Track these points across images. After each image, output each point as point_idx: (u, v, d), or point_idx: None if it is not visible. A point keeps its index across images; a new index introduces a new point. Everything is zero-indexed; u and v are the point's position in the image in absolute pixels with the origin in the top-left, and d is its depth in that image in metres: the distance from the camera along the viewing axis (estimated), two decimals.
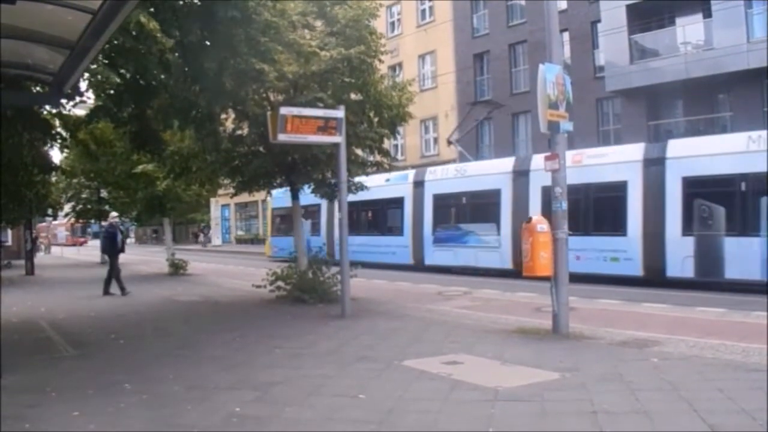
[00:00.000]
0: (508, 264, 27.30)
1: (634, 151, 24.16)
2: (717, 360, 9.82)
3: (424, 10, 49.72)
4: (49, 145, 20.29)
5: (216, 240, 74.50)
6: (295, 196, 20.15)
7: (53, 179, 35.33)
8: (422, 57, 49.68)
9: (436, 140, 48.07)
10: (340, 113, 15.52)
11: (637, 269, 23.12)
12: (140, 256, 54.18)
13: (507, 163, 28.89)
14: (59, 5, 8.33)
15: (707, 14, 31.04)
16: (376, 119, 19.15)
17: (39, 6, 8.40)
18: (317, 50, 16.91)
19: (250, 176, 19.82)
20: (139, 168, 28.99)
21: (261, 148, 19.06)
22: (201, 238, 78.51)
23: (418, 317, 15.46)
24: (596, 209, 24.50)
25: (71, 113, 18.81)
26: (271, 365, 10.42)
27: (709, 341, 11.33)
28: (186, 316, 17.48)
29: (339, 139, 15.47)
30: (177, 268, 31.61)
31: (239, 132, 19.65)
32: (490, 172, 29.18)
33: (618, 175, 23.77)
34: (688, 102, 33.23)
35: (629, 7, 33.44)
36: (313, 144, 16.50)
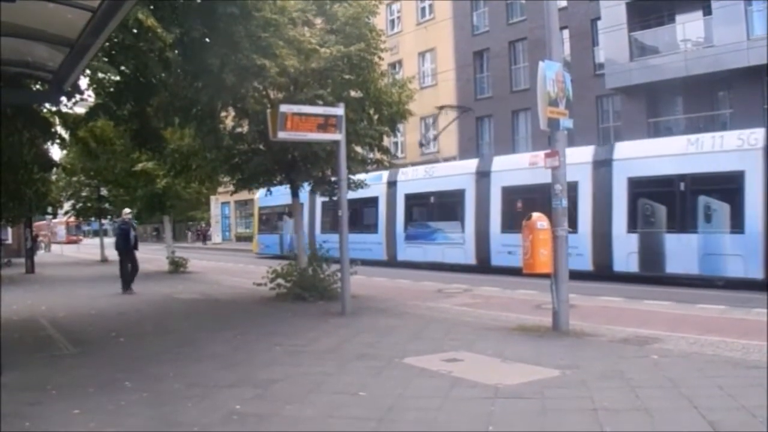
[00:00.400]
0: (472, 260, 29.44)
1: (585, 154, 25.11)
2: (717, 357, 9.83)
3: (423, 8, 49.68)
4: (49, 143, 20.29)
5: (216, 237, 74.56)
6: (295, 194, 20.15)
7: (53, 177, 35.34)
8: (422, 54, 49.66)
9: (436, 137, 48.02)
10: (339, 111, 15.51)
11: (587, 264, 24.24)
12: (140, 254, 53.92)
13: (471, 165, 30.36)
14: (59, 3, 8.32)
15: (707, 12, 31.00)
16: (376, 116, 19.15)
17: (39, 4, 8.39)
18: (317, 47, 16.91)
19: (250, 174, 19.81)
20: (139, 166, 29.01)
21: (261, 146, 19.05)
22: (189, 237, 78.61)
23: (418, 314, 15.49)
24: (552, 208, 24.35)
25: (71, 111, 18.79)
26: (271, 363, 10.43)
27: (710, 338, 11.36)
28: (186, 313, 17.50)
29: (339, 136, 15.46)
30: (177, 266, 31.66)
31: (239, 130, 19.63)
32: (455, 173, 30.57)
33: (570, 175, 22.89)
34: (688, 99, 33.19)
35: (629, 5, 33.40)
36: (313, 141, 16.51)
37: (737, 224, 20.59)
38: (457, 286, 22.10)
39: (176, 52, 13.44)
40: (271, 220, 46.59)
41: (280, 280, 18.75)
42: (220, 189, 42.11)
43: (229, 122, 19.89)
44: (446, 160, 38.48)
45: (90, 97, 16.23)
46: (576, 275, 21.03)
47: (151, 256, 41.43)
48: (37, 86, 13.96)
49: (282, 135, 14.76)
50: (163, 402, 8.14)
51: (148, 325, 15.25)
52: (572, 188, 21.82)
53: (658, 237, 22.62)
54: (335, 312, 15.69)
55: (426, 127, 48.89)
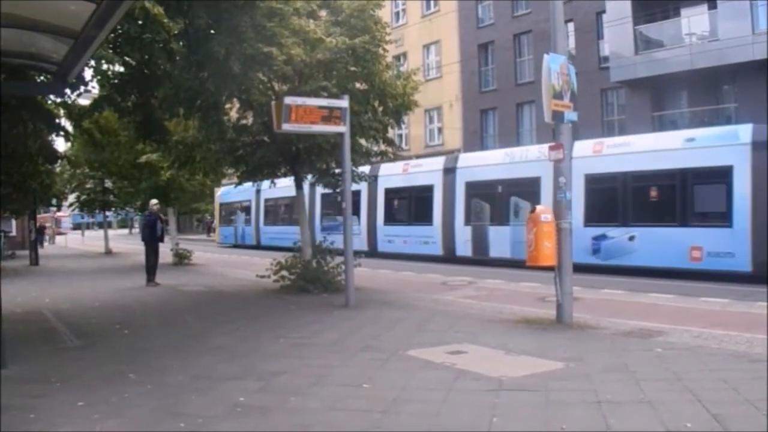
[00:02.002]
0: (365, 246, 34.90)
1: (438, 162, 32.36)
2: (721, 350, 9.84)
3: (429, 1, 49.55)
4: (53, 134, 20.30)
5: None
6: (299, 186, 20.18)
7: (57, 169, 35.35)
8: (427, 47, 49.52)
9: (440, 130, 48.05)
10: (344, 103, 15.52)
11: (438, 250, 31.32)
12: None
13: (364, 170, 33.45)
14: None
15: (712, 5, 30.90)
16: (380, 108, 19.11)
17: None
18: (323, 37, 16.88)
19: (254, 166, 19.80)
20: (143, 158, 28.99)
21: (265, 138, 19.04)
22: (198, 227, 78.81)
23: (422, 307, 15.50)
24: (416, 205, 33.36)
25: (75, 103, 18.79)
26: (275, 355, 10.46)
27: (714, 332, 11.34)
28: (190, 306, 17.52)
29: (343, 128, 15.47)
30: (181, 258, 31.65)
31: (244, 121, 19.64)
32: None
33: (428, 179, 32.08)
34: (692, 93, 33.09)
35: None
36: (317, 133, 16.51)
37: None
38: (461, 279, 22.16)
39: (180, 43, 13.44)
40: (229, 214, 55.34)
41: (284, 273, 18.79)
42: (225, 181, 42.24)
43: (234, 114, 19.88)
44: (450, 152, 39.09)
45: (94, 88, 16.23)
46: (430, 258, 30.85)
47: None
48: (42, 78, 13.96)
49: (286, 127, 14.78)
50: (167, 394, 8.16)
51: (152, 318, 15.31)
52: (430, 190, 32.13)
53: (484, 229, 29.21)
54: (339, 304, 15.73)
55: (431, 119, 48.93)
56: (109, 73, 15.45)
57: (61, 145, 34.17)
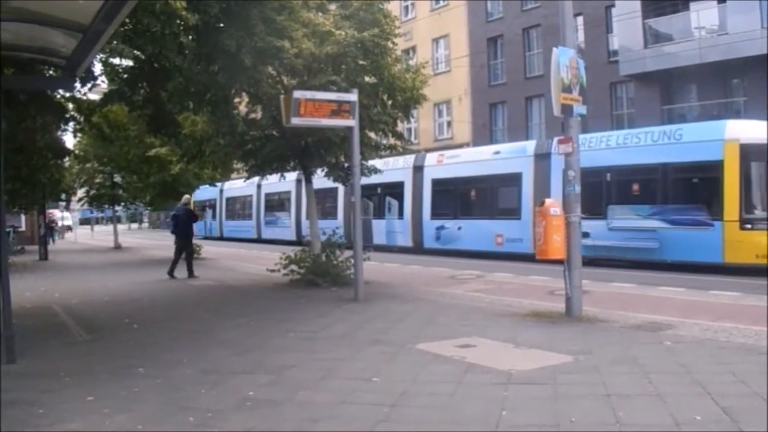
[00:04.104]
0: (294, 237, 43.37)
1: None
2: (730, 343, 9.82)
3: None
4: (62, 129, 20.31)
5: None
6: (308, 180, 20.20)
7: (66, 164, 35.38)
8: (436, 41, 49.50)
9: (449, 124, 48.07)
10: (353, 96, 15.51)
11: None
12: (153, 241, 54.37)
13: (293, 174, 39.20)
14: None
15: None
16: (389, 102, 19.09)
17: None
18: (332, 29, 16.87)
19: (263, 160, 19.83)
20: (153, 152, 29.02)
21: (274, 132, 19.03)
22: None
23: (431, 300, 15.50)
24: (323, 205, 38.10)
25: (85, 97, 18.81)
26: (284, 349, 10.46)
27: (723, 325, 11.34)
28: (200, 300, 17.51)
29: (352, 122, 15.46)
30: None
31: (253, 116, 19.63)
32: (287, 180, 39.57)
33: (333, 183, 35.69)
34: (701, 86, 33.06)
35: None
36: (326, 127, 16.51)
37: (401, 213, 34.80)
38: (470, 272, 22.10)
39: (190, 37, 13.45)
40: (200, 210, 58.67)
41: (293, 267, 18.84)
42: (234, 176, 42.39)
43: (243, 108, 19.88)
44: (459, 146, 39.80)
45: (103, 83, 16.24)
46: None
47: (164, 242, 41.55)
48: (50, 72, 13.98)
49: (295, 121, 14.78)
50: (177, 388, 8.18)
51: (161, 312, 15.33)
52: (334, 191, 37.39)
53: (369, 222, 35.61)
54: (348, 298, 15.74)
55: (440, 113, 48.96)
56: (118, 67, 15.47)
57: (69, 140, 34.22)
